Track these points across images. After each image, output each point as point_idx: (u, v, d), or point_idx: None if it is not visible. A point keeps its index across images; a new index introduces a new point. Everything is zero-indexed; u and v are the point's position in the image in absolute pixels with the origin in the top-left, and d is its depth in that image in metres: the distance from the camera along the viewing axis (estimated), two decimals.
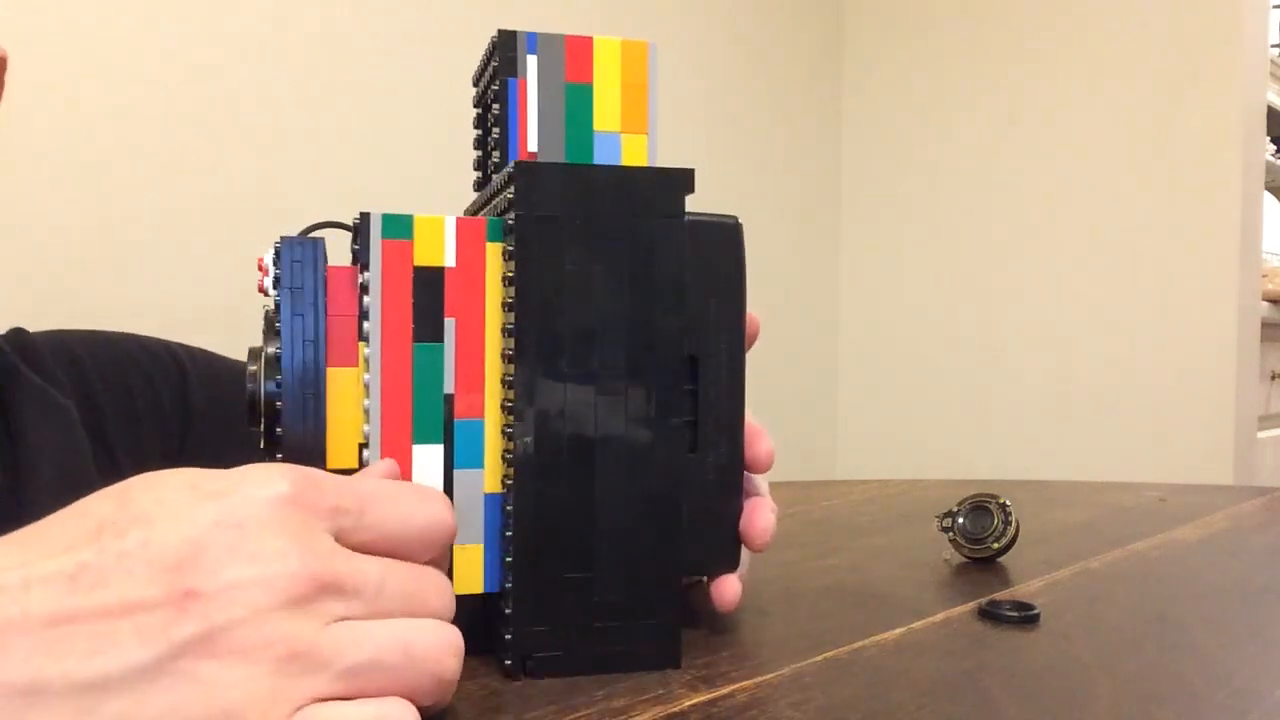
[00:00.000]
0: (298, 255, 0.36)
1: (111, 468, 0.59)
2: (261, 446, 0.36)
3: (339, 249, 0.43)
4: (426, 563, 0.33)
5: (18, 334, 0.62)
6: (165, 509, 0.28)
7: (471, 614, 0.39)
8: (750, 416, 0.44)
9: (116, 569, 0.27)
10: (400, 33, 1.43)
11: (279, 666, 0.27)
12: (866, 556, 0.59)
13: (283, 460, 0.35)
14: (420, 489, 0.33)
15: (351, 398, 0.36)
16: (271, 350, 0.35)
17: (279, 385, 0.35)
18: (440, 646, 0.29)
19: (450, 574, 0.35)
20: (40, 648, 0.25)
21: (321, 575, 0.28)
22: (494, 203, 0.39)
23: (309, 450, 0.35)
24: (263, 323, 0.36)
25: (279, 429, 0.35)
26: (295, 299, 0.35)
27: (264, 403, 0.35)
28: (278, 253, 0.36)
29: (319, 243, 0.36)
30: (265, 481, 0.29)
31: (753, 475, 0.45)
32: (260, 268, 0.36)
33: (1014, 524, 0.56)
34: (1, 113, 0.54)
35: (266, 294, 0.36)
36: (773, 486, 0.46)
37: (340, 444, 0.36)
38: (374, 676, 0.28)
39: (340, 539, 0.30)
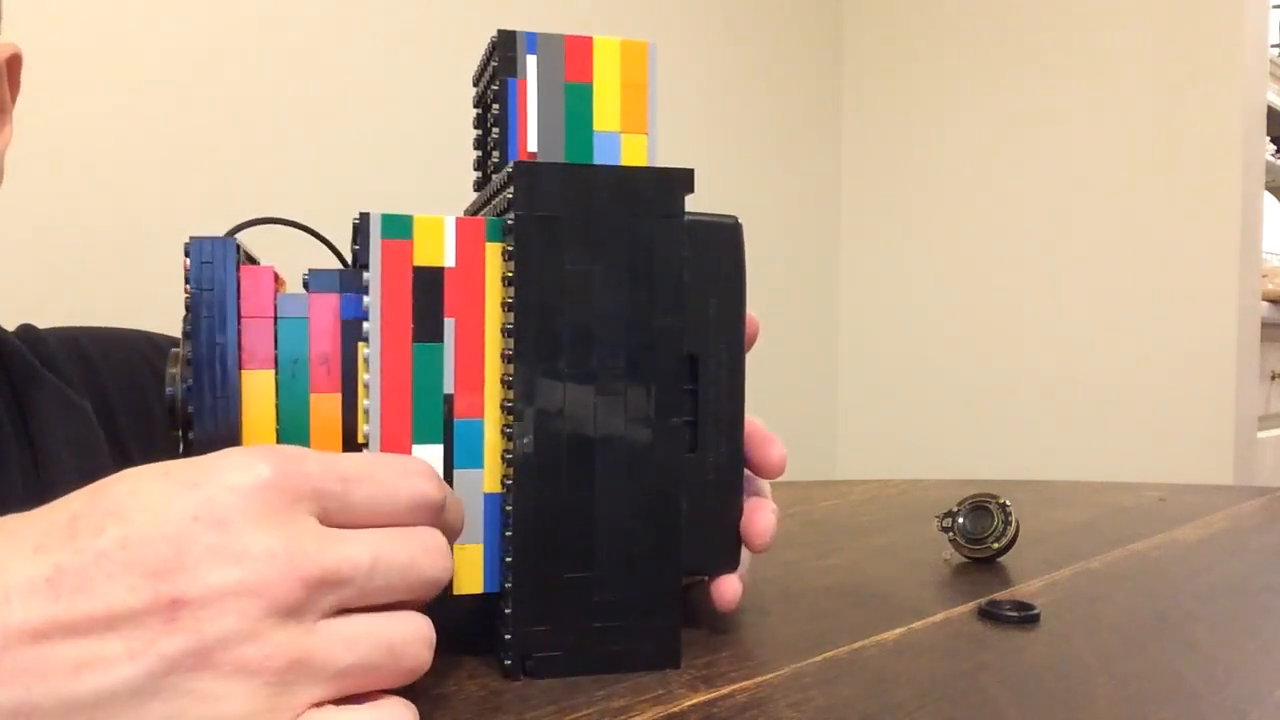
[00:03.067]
0: (207, 255, 0.35)
1: (125, 466, 0.58)
2: (180, 450, 0.35)
3: (298, 245, 0.42)
4: None
5: (28, 331, 0.62)
6: (140, 501, 0.27)
7: (471, 614, 0.39)
8: (761, 423, 0.44)
9: (96, 572, 0.25)
10: (400, 33, 1.43)
11: (278, 677, 0.26)
12: (866, 556, 0.59)
13: None
14: (405, 461, 0.32)
15: (268, 400, 0.35)
16: (185, 352, 0.34)
17: (191, 389, 0.34)
18: (417, 641, 0.29)
19: (447, 536, 0.34)
20: (26, 665, 0.25)
21: (311, 575, 0.27)
22: (494, 203, 0.39)
23: None
24: (181, 324, 0.35)
25: (191, 434, 0.34)
26: (204, 300, 0.34)
27: (179, 406, 0.34)
28: (188, 253, 0.35)
29: (230, 242, 0.35)
30: (246, 466, 0.28)
31: (755, 477, 0.45)
32: (185, 267, 0.35)
33: (1014, 524, 0.56)
34: (17, 111, 0.54)
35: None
36: (773, 486, 0.46)
37: None
38: (362, 675, 0.28)
39: (325, 519, 0.29)
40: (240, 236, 0.37)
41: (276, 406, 0.35)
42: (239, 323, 0.35)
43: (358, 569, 0.28)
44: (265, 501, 0.27)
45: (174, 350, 0.35)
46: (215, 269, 0.35)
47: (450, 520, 0.34)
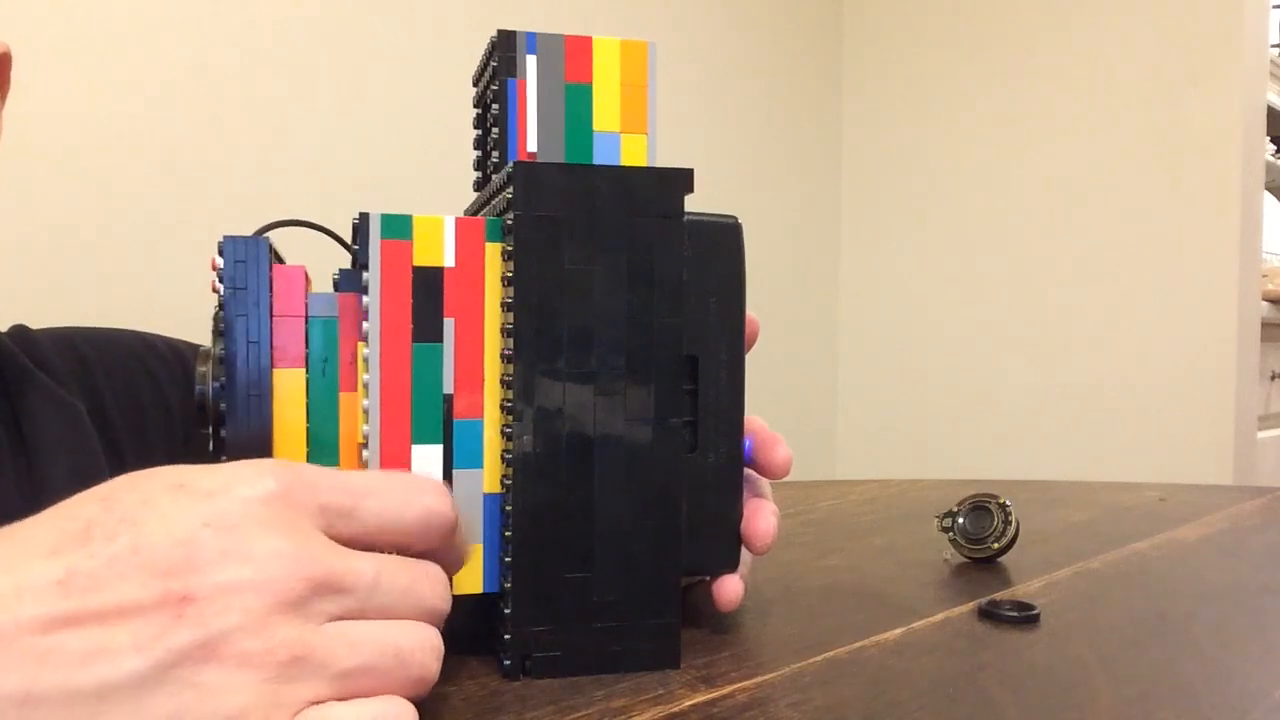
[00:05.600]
0: (240, 254, 0.35)
1: (119, 468, 0.58)
2: (210, 449, 0.35)
3: (310, 246, 0.43)
4: (427, 552, 0.32)
5: (21, 331, 0.62)
6: (153, 510, 0.27)
7: (471, 614, 0.39)
8: (764, 424, 0.44)
9: (108, 573, 0.26)
10: (400, 33, 1.43)
11: (280, 671, 0.27)
12: (866, 556, 0.59)
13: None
14: (416, 479, 0.32)
15: (299, 399, 0.36)
16: (217, 351, 0.35)
17: (224, 386, 0.35)
18: (425, 649, 0.29)
19: (455, 562, 0.34)
20: (34, 656, 0.25)
21: (315, 575, 0.28)
22: (493, 203, 0.39)
23: (254, 453, 0.34)
24: (212, 323, 0.36)
25: (224, 431, 0.35)
26: (238, 299, 0.35)
27: (210, 404, 0.35)
28: (222, 251, 0.35)
29: (263, 242, 0.35)
30: (254, 480, 0.29)
31: (757, 477, 0.45)
32: (214, 266, 0.35)
33: (1014, 524, 0.56)
34: (6, 110, 0.54)
35: (218, 293, 0.35)
36: (773, 486, 0.46)
37: (287, 446, 0.35)
38: (366, 678, 0.28)
39: (333, 534, 0.29)
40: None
41: (307, 405, 0.36)
42: (271, 321, 0.35)
43: (360, 580, 0.29)
44: (274, 512, 0.28)
45: (203, 348, 0.36)
46: (249, 268, 0.35)
47: (459, 546, 0.34)
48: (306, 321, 0.36)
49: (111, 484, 0.29)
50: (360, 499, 0.30)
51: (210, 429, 0.35)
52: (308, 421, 0.36)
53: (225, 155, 1.25)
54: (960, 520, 0.57)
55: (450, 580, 0.34)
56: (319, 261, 0.40)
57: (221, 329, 0.35)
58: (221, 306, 0.35)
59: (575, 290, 0.36)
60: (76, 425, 0.57)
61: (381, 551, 0.31)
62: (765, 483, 0.45)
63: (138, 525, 0.27)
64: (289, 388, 0.35)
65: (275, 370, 0.35)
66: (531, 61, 0.38)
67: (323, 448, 0.36)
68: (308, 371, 0.36)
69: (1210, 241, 1.77)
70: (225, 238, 0.35)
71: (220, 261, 0.35)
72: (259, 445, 0.35)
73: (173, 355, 0.66)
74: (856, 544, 0.62)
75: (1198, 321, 1.78)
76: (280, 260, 0.37)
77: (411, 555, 0.32)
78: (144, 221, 1.18)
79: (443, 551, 0.33)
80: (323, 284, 0.37)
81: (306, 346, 0.36)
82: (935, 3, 2.07)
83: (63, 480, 0.54)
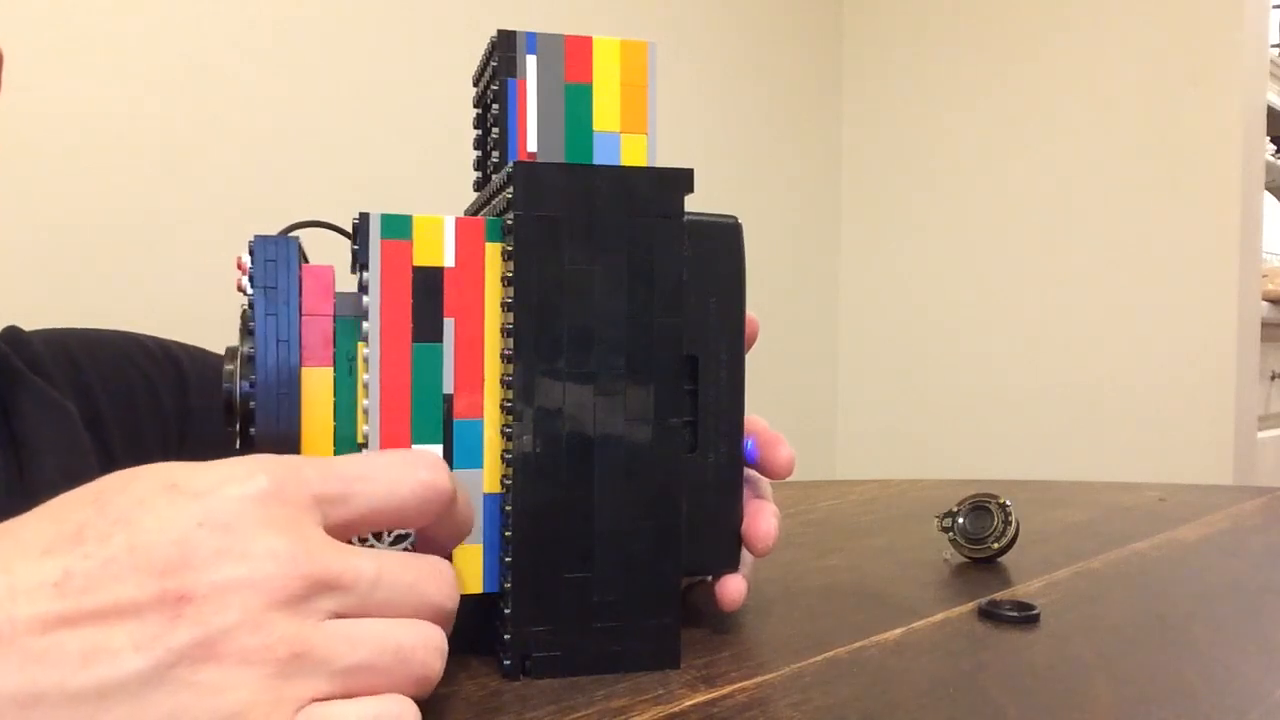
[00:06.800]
0: (271, 254, 0.35)
1: (111, 469, 0.58)
2: (238, 447, 0.35)
3: (326, 247, 0.43)
4: (430, 526, 0.32)
5: (13, 333, 0.62)
6: (147, 511, 0.27)
7: (471, 614, 0.39)
8: (765, 424, 0.44)
9: (103, 574, 0.26)
10: (400, 33, 1.43)
11: (280, 668, 0.27)
12: (866, 556, 0.59)
13: None
14: (409, 455, 0.32)
15: (327, 398, 0.36)
16: (245, 350, 0.35)
17: (253, 385, 0.35)
18: (427, 647, 0.29)
19: (459, 533, 0.34)
20: (33, 657, 0.25)
21: (313, 572, 0.28)
22: (493, 203, 0.39)
23: (282, 451, 0.34)
24: (239, 322, 0.36)
25: (253, 429, 0.35)
26: (268, 298, 0.35)
27: (238, 403, 0.35)
28: (252, 251, 0.35)
29: (293, 241, 0.36)
30: (245, 477, 0.28)
31: (758, 478, 0.45)
32: (239, 266, 0.35)
33: (1014, 524, 0.56)
34: (1, 110, 0.54)
35: (245, 293, 0.36)
36: (773, 486, 0.46)
37: (315, 444, 0.36)
38: (367, 676, 0.28)
39: (329, 525, 0.29)
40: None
41: (335, 403, 0.36)
42: (300, 320, 0.35)
43: (360, 578, 0.29)
44: (267, 509, 0.28)
45: (230, 346, 0.36)
46: (279, 267, 0.35)
47: (460, 514, 0.34)
48: (334, 321, 0.36)
49: (101, 484, 0.28)
50: (351, 483, 0.30)
51: (238, 427, 0.35)
52: (335, 420, 0.36)
53: (225, 155, 1.25)
54: (960, 520, 0.57)
55: (456, 564, 0.34)
56: (335, 262, 0.40)
57: (250, 328, 0.35)
58: (250, 305, 0.35)
59: (575, 290, 0.36)
60: (68, 426, 0.57)
61: (381, 531, 0.31)
62: (766, 483, 0.45)
63: (132, 526, 0.27)
64: (317, 387, 0.36)
65: (303, 369, 0.35)
66: (531, 61, 0.38)
67: (350, 446, 0.36)
68: (335, 370, 0.36)
69: (1210, 241, 1.77)
70: (255, 237, 0.35)
71: (247, 261, 0.35)
72: (288, 444, 0.35)
73: (165, 356, 0.66)
74: (856, 544, 0.62)
75: (1198, 321, 1.78)
76: (306, 260, 0.37)
77: (411, 529, 0.32)
78: (143, 221, 1.18)
79: (446, 523, 0.33)
80: (342, 284, 0.37)
81: (334, 345, 0.36)
82: (935, 3, 2.07)
83: (54, 481, 0.54)
